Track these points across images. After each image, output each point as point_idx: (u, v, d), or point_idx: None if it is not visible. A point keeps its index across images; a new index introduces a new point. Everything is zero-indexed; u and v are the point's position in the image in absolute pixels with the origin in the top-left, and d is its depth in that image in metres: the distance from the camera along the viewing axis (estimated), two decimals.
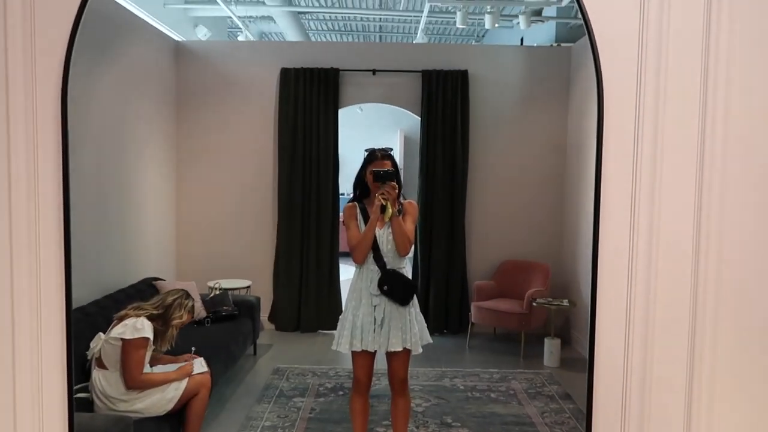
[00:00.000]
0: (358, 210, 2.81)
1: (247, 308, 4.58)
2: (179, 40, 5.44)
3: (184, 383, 2.93)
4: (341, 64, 5.35)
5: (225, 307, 4.39)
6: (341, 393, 3.93)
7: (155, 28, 4.98)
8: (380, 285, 2.72)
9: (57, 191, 1.64)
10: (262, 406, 3.71)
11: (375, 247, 2.74)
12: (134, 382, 2.81)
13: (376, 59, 5.39)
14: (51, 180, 1.63)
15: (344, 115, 5.54)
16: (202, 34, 6.44)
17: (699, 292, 1.61)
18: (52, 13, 1.60)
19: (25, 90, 1.61)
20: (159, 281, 4.40)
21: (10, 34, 1.59)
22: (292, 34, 7.57)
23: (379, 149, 2.85)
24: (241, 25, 6.73)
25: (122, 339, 2.80)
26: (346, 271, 6.01)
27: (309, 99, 5.32)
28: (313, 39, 8.87)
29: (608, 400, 1.68)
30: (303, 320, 5.39)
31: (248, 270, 5.30)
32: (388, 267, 2.73)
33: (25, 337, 1.66)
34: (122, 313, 2.95)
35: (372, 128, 9.23)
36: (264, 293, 5.24)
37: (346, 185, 5.79)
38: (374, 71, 5.36)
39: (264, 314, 5.30)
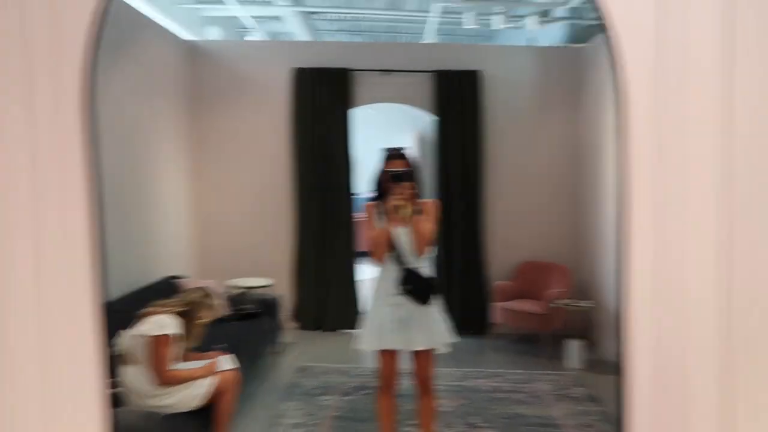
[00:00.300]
0: (378, 209, 2.80)
1: (269, 307, 4.58)
2: (191, 39, 5.47)
3: (212, 380, 2.94)
4: (352, 64, 5.35)
5: (247, 306, 4.40)
6: (366, 392, 3.91)
7: (166, 28, 5.00)
8: (400, 284, 2.73)
9: (86, 191, 1.64)
10: (287, 404, 3.71)
11: (395, 247, 2.75)
12: (161, 378, 2.82)
13: (387, 59, 5.39)
14: (78, 180, 1.63)
15: (357, 115, 5.54)
16: (213, 34, 6.48)
17: (733, 291, 1.58)
18: (74, 15, 1.60)
19: (52, 89, 1.61)
20: (180, 279, 4.42)
21: (35, 34, 1.59)
22: (301, 34, 7.60)
23: (392, 149, 2.87)
24: (250, 26, 6.75)
25: (148, 336, 2.81)
26: (368, 271, 6.00)
27: (321, 99, 5.32)
28: (322, 39, 8.88)
29: (641, 405, 1.65)
30: (324, 319, 5.39)
31: (270, 269, 5.30)
32: (407, 266, 2.74)
33: (59, 334, 1.66)
34: (147, 310, 2.97)
35: (385, 128, 9.20)
36: (286, 292, 5.25)
37: (360, 185, 5.81)
38: (386, 71, 5.35)
39: (286, 313, 5.31)
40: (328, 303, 5.39)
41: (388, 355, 2.82)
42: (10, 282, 1.63)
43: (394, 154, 2.82)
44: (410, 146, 7.26)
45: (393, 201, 2.68)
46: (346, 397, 3.84)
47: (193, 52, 5.35)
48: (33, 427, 1.66)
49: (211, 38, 6.34)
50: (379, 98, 5.53)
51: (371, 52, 5.56)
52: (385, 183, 2.77)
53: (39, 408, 1.65)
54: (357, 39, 9.34)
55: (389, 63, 5.36)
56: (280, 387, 4.01)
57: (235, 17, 6.96)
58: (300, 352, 4.82)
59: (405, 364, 2.88)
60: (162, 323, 2.83)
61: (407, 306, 2.73)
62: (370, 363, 4.31)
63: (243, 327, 4.15)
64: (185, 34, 5.45)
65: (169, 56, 5.00)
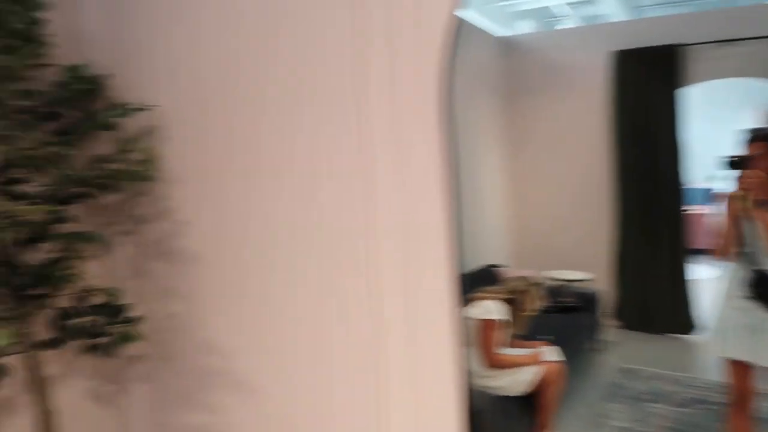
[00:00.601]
0: (726, 200, 2.42)
1: (588, 302, 4.41)
2: (503, 35, 5.55)
3: (538, 368, 2.95)
4: (681, 39, 4.71)
5: (566, 299, 4.31)
6: (708, 407, 3.43)
7: (480, 27, 5.17)
8: (748, 287, 2.33)
9: (443, 181, 1.78)
10: (611, 405, 3.50)
11: (744, 244, 2.35)
12: (488, 360, 2.95)
13: (726, 28, 4.58)
14: (437, 173, 1.78)
15: (689, 94, 4.87)
16: (524, 27, 6.47)
17: None
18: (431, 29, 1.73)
19: (413, 104, 1.77)
20: (499, 268, 4.56)
21: (398, 50, 1.77)
22: (618, 14, 7.05)
23: (754, 130, 2.45)
24: (561, 14, 6.55)
25: (476, 319, 2.97)
26: (709, 271, 5.33)
27: (644, 81, 4.83)
28: (643, 16, 8.08)
29: None
30: (650, 320, 4.93)
31: (588, 262, 5.09)
32: (758, 267, 2.31)
33: (421, 305, 1.85)
34: (476, 294, 3.14)
35: (725, 108, 7.97)
36: (606, 287, 4.98)
37: (692, 173, 5.12)
38: (726, 41, 4.56)
39: (607, 310, 5.03)
40: (654, 303, 4.91)
41: (738, 367, 2.44)
42: (382, 253, 1.87)
43: (755, 137, 2.41)
44: (754, 126, 6.15)
45: (735, 190, 2.32)
46: (682, 409, 3.43)
47: (505, 47, 5.47)
48: (400, 391, 1.89)
49: (522, 32, 6.40)
50: (717, 73, 4.78)
51: (704, 23, 4.82)
52: (736, 169, 2.40)
53: (405, 376, 1.88)
54: (684, 10, 8.32)
55: (729, 32, 4.59)
56: (602, 386, 3.81)
57: (545, 7, 6.88)
58: (622, 352, 4.51)
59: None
60: (489, 308, 2.96)
61: (757, 313, 2.33)
62: (712, 374, 3.78)
63: (563, 320, 4.08)
64: (498, 30, 5.61)
65: (484, 53, 5.21)
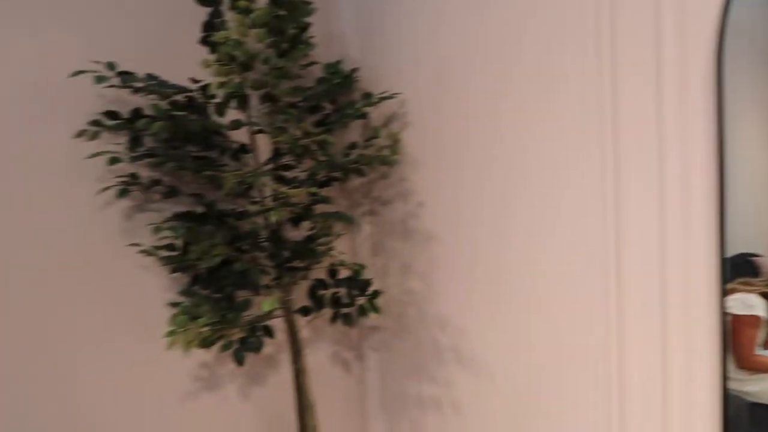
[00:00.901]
0: None
1: None
2: None
3: None
4: None
5: None
6: None
7: None
8: None
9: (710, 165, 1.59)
10: None
11: None
12: (743, 362, 2.60)
13: None
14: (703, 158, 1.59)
15: None
16: None
17: None
18: None
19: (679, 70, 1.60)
20: (757, 258, 3.98)
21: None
22: None
23: None
24: None
25: (732, 314, 2.64)
26: None
27: None
28: None
29: None
30: None
31: None
32: None
33: (677, 297, 1.70)
34: (730, 286, 2.78)
35: None
36: None
37: None
38: None
39: None
40: None
41: None
42: (630, 235, 1.74)
43: None
44: None
45: None
46: None
47: None
48: (644, 387, 1.77)
49: None
50: None
51: None
52: None
53: (652, 372, 1.74)
54: None
55: None
56: None
57: None
58: None
59: None
60: (749, 302, 2.60)
61: None
62: None
63: None
64: None
65: (749, 11, 4.53)
